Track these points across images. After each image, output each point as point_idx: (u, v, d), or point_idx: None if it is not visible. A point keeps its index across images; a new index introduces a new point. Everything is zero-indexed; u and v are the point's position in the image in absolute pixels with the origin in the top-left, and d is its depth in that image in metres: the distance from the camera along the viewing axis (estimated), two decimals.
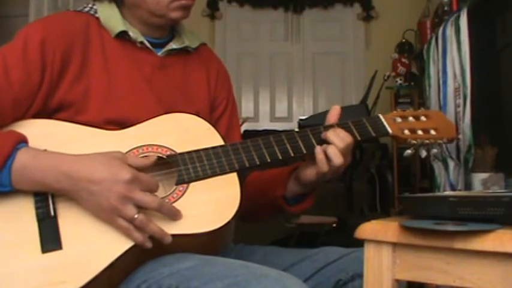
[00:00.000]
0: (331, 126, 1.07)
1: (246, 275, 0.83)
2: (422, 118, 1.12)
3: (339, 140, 1.03)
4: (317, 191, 1.15)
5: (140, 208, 0.89)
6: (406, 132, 1.10)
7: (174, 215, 0.92)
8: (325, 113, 1.14)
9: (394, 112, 1.13)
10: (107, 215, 0.90)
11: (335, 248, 1.10)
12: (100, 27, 1.09)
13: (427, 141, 1.10)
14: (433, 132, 1.10)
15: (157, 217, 0.92)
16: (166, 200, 0.94)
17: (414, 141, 1.09)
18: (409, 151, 1.12)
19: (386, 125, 1.09)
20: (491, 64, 2.09)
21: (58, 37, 1.03)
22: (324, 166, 1.03)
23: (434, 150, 1.12)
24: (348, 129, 1.07)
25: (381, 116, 1.11)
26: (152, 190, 0.92)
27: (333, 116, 1.09)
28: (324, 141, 1.05)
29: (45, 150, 0.95)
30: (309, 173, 1.07)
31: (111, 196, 0.88)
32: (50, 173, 0.90)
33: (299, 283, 0.86)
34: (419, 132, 1.10)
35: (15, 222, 0.91)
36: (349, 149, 1.05)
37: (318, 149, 1.04)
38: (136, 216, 0.88)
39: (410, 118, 1.12)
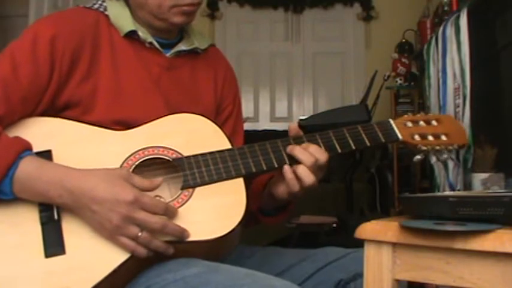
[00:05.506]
0: (339, 131, 1.04)
1: (252, 285, 0.83)
2: (434, 122, 1.10)
3: (306, 156, 0.99)
4: (293, 204, 1.12)
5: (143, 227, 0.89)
6: (417, 137, 1.07)
7: (180, 235, 0.90)
8: (325, 113, 1.14)
9: (405, 116, 1.10)
10: (109, 234, 0.89)
11: (334, 248, 1.10)
12: (109, 25, 1.08)
13: (438, 147, 1.08)
14: (444, 137, 1.08)
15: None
16: (172, 204, 0.93)
17: (424, 147, 1.07)
18: (418, 157, 1.10)
19: (397, 131, 1.06)
20: (491, 64, 2.09)
21: (68, 35, 1.02)
22: (295, 186, 1.00)
23: (445, 156, 1.10)
24: (357, 134, 1.04)
25: (391, 121, 1.08)
26: (156, 212, 0.89)
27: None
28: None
29: (49, 151, 0.95)
30: (281, 191, 1.04)
31: (113, 216, 0.87)
32: (53, 187, 0.89)
33: None
34: (430, 137, 1.07)
35: (18, 225, 0.90)
36: (323, 165, 1.00)
37: (286, 169, 1.00)
38: (139, 234, 0.88)
39: (421, 122, 1.09)
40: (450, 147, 1.09)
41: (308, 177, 0.99)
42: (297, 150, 1.00)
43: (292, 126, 1.06)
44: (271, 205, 1.11)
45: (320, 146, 1.02)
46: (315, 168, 0.99)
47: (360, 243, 0.83)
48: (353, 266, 1.01)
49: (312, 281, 1.03)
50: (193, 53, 1.17)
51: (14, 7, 3.98)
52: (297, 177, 0.99)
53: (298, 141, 1.03)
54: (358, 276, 0.98)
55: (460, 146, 1.10)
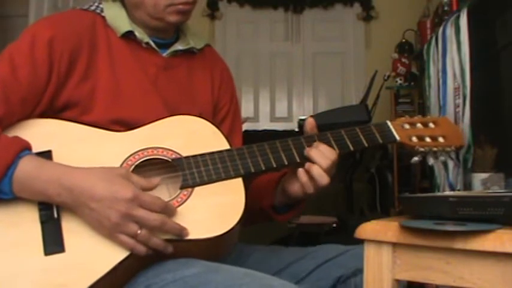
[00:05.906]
0: (337, 132, 1.05)
1: (251, 284, 0.83)
2: (431, 125, 1.11)
3: (323, 159, 1.01)
4: (305, 202, 1.13)
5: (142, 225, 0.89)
6: (414, 139, 1.08)
7: (179, 233, 0.90)
8: (325, 113, 1.14)
9: (403, 118, 1.12)
10: (108, 232, 0.89)
11: (334, 245, 1.10)
12: (106, 26, 1.09)
13: (435, 149, 1.09)
14: (441, 139, 1.09)
15: None
16: (171, 203, 0.93)
17: (422, 149, 1.08)
18: (416, 158, 1.11)
19: (394, 132, 1.08)
20: (491, 64, 2.09)
21: (66, 36, 1.03)
22: (309, 188, 1.02)
23: (442, 158, 1.11)
24: (355, 135, 1.06)
25: (388, 123, 1.09)
26: (154, 210, 0.89)
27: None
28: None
29: (49, 151, 0.95)
30: (296, 190, 1.05)
31: (112, 214, 0.87)
32: (52, 186, 0.89)
33: None
34: (427, 139, 1.09)
35: (18, 224, 0.90)
36: (335, 164, 1.03)
37: (301, 171, 1.01)
38: (139, 232, 0.88)
39: (419, 125, 1.10)
40: (448, 149, 1.10)
41: (323, 178, 1.00)
42: (313, 152, 1.01)
43: (309, 120, 1.08)
44: (284, 202, 1.12)
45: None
46: (329, 169, 1.01)
47: (360, 243, 0.83)
48: (353, 263, 1.01)
49: (311, 278, 1.04)
50: (189, 52, 1.18)
51: (14, 7, 3.98)
52: (311, 178, 1.01)
53: (297, 141, 1.04)
54: (359, 272, 0.98)
55: (457, 147, 1.11)
